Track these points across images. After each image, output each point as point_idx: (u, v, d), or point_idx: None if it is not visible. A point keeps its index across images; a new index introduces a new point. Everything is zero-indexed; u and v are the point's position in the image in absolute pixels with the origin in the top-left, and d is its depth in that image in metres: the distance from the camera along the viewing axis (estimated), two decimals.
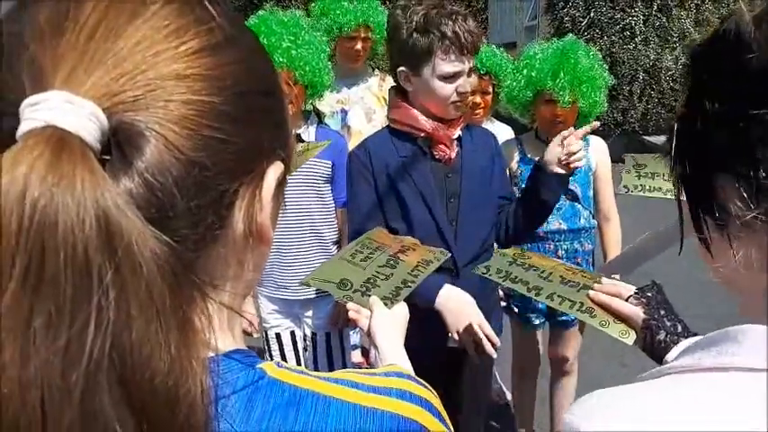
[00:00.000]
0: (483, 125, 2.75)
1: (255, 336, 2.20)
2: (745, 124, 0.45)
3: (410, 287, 1.17)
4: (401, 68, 1.53)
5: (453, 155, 1.57)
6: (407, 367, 0.95)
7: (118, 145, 0.36)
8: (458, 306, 1.40)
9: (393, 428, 0.46)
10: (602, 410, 0.49)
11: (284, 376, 0.46)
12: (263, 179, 0.45)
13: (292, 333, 2.19)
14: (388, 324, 1.03)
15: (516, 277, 1.27)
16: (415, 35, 1.47)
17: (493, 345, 1.38)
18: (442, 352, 1.52)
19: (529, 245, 2.23)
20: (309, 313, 2.14)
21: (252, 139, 0.43)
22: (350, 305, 1.12)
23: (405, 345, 1.04)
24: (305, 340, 2.19)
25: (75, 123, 0.33)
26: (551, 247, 2.23)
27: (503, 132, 2.63)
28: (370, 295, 1.11)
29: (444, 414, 0.52)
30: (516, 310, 2.33)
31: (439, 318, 1.41)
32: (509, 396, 2.81)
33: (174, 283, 0.35)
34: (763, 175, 0.45)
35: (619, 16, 7.41)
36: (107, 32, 0.37)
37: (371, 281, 1.15)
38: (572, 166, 1.49)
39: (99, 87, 0.35)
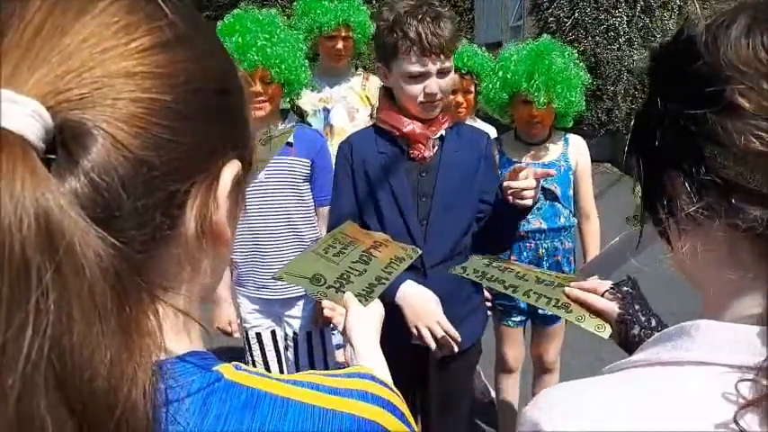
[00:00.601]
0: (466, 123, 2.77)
1: (236, 335, 2.18)
2: (690, 124, 0.48)
3: (384, 284, 1.17)
4: (378, 64, 1.57)
5: (429, 154, 1.56)
6: (383, 366, 0.95)
7: (64, 144, 0.35)
8: (418, 302, 1.40)
9: (352, 430, 0.45)
10: (562, 407, 0.49)
11: (242, 378, 0.45)
12: (218, 178, 0.44)
13: (273, 333, 2.17)
14: (363, 322, 1.02)
15: (493, 276, 1.28)
16: (385, 33, 1.49)
17: (455, 340, 1.38)
18: (406, 348, 1.50)
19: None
20: (290, 312, 2.12)
21: (204, 138, 0.42)
22: (325, 302, 1.11)
23: None
24: (286, 340, 2.17)
25: (16, 122, 0.33)
26: (532, 245, 2.24)
27: (485, 130, 2.63)
28: (344, 291, 1.10)
29: (408, 416, 0.52)
30: (499, 308, 2.34)
31: (402, 313, 1.41)
32: (493, 394, 2.81)
33: (117, 284, 0.35)
34: (704, 171, 0.47)
35: (603, 17, 7.46)
36: (53, 29, 0.36)
37: (345, 276, 1.14)
38: (518, 203, 1.41)
39: (43, 85, 0.35)
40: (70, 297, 0.32)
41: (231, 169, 0.45)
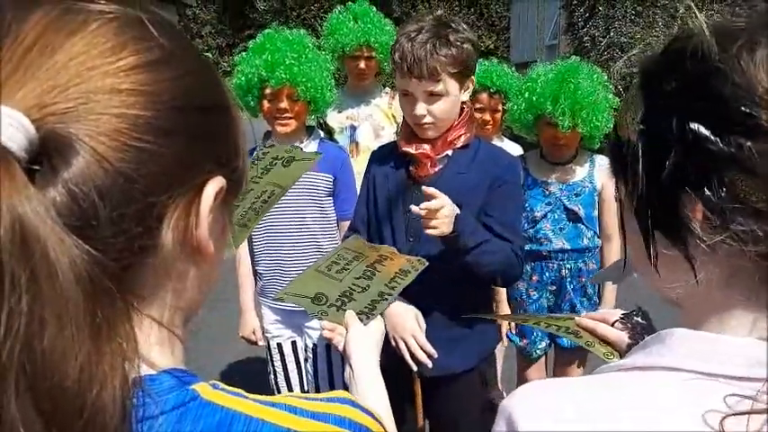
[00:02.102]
0: (492, 142, 2.77)
1: (261, 344, 2.23)
2: (715, 148, 0.46)
3: (386, 300, 1.14)
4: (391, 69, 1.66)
5: (426, 173, 1.55)
6: (380, 390, 0.93)
7: (47, 155, 0.37)
8: (396, 314, 1.39)
9: None
10: (536, 407, 0.50)
11: (218, 398, 0.46)
12: (200, 194, 0.45)
13: (293, 343, 2.20)
14: (362, 344, 1.00)
15: (501, 317, 1.29)
16: (391, 48, 1.54)
17: (429, 355, 1.36)
18: (394, 360, 1.42)
19: (532, 264, 2.22)
20: (311, 324, 2.15)
21: (185, 154, 0.43)
22: (324, 323, 1.09)
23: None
24: (306, 351, 2.20)
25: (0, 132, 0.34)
26: (554, 266, 2.22)
27: (512, 151, 2.63)
28: (345, 310, 1.08)
29: None
30: (518, 339, 2.32)
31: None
32: None
33: (90, 290, 0.36)
34: (730, 198, 0.45)
35: (639, 36, 7.38)
36: (43, 47, 0.38)
37: (347, 294, 1.12)
38: (428, 232, 1.38)
39: (29, 98, 0.37)
40: (43, 301, 0.33)
41: (214, 185, 0.46)
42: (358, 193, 1.84)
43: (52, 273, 0.34)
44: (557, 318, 1.18)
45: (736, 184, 0.45)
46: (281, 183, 1.11)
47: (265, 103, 2.02)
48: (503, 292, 2.32)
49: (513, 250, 1.52)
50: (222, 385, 0.48)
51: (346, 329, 1.04)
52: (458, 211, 1.42)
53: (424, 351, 1.37)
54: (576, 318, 1.15)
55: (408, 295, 1.44)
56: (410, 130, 1.57)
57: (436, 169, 1.56)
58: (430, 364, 1.39)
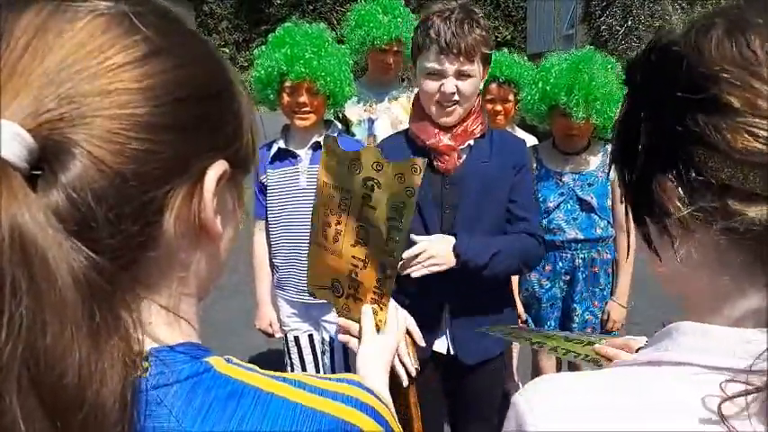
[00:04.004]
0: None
1: (278, 335, 2.25)
2: (679, 127, 0.47)
3: (400, 230, 0.92)
4: (410, 64, 1.61)
5: (453, 165, 1.56)
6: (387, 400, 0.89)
7: (47, 161, 0.38)
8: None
9: (330, 430, 0.46)
10: (546, 406, 0.50)
11: (231, 371, 0.47)
12: (201, 180, 0.46)
13: (310, 336, 2.21)
14: (373, 365, 0.95)
15: (519, 335, 1.23)
16: (415, 31, 1.55)
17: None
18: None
19: (547, 254, 2.25)
20: (328, 317, 2.16)
21: (183, 145, 0.44)
22: (341, 321, 1.04)
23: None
24: (323, 344, 2.21)
25: None
26: (568, 255, 2.24)
27: (525, 139, 2.64)
28: (361, 300, 1.00)
29: (395, 427, 0.52)
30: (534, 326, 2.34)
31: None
32: None
33: (88, 292, 0.37)
34: (696, 174, 0.47)
35: (657, 24, 7.28)
36: (34, 52, 0.39)
37: (353, 275, 1.01)
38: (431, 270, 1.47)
39: (24, 109, 0.38)
40: (43, 304, 0.35)
41: (216, 170, 0.46)
42: None
43: (51, 278, 0.35)
44: (576, 341, 1.10)
45: (702, 161, 0.46)
46: (347, 186, 0.98)
47: (285, 97, 2.01)
48: (513, 283, 2.34)
49: (530, 233, 1.60)
50: (236, 360, 0.49)
51: (359, 339, 0.99)
52: (451, 240, 1.49)
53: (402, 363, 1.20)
54: (597, 345, 1.13)
55: (429, 290, 1.51)
56: (425, 119, 1.57)
57: (461, 161, 1.58)
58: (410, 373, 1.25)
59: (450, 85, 1.50)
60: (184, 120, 0.44)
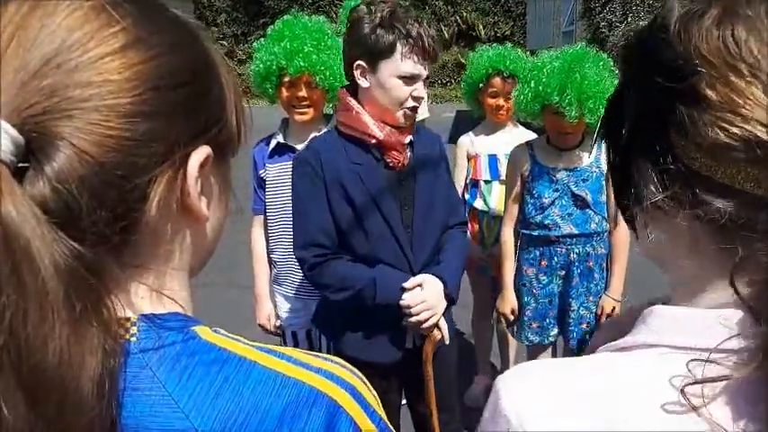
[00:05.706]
0: (506, 128, 2.78)
1: (277, 325, 2.23)
2: (659, 113, 0.48)
3: None
4: (359, 62, 1.51)
5: (406, 161, 1.57)
6: None
7: (33, 155, 0.39)
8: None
9: (309, 400, 0.47)
10: (521, 381, 0.52)
11: (216, 340, 0.49)
12: (185, 164, 0.47)
13: (308, 332, 2.21)
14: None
15: None
16: (379, 30, 1.46)
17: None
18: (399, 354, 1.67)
19: (541, 248, 2.27)
20: None
21: (165, 133, 0.45)
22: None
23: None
24: (320, 340, 2.20)
25: None
26: (563, 250, 2.25)
27: (525, 136, 2.63)
28: None
29: (376, 407, 0.52)
30: (531, 323, 2.37)
31: (393, 327, 1.59)
32: None
33: (70, 282, 0.39)
34: (671, 160, 0.47)
35: None
36: (17, 47, 0.40)
37: None
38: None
39: (8, 104, 0.39)
40: (26, 294, 0.36)
41: (199, 155, 0.47)
42: None
43: (34, 268, 0.37)
44: None
45: (677, 148, 0.46)
46: None
47: (283, 91, 2.00)
48: (509, 280, 2.36)
49: (462, 222, 1.79)
50: (223, 331, 0.50)
51: None
52: (438, 285, 1.59)
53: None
54: None
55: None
56: (377, 119, 1.53)
57: (409, 155, 1.60)
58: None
59: (422, 89, 1.51)
60: (165, 108, 0.45)
